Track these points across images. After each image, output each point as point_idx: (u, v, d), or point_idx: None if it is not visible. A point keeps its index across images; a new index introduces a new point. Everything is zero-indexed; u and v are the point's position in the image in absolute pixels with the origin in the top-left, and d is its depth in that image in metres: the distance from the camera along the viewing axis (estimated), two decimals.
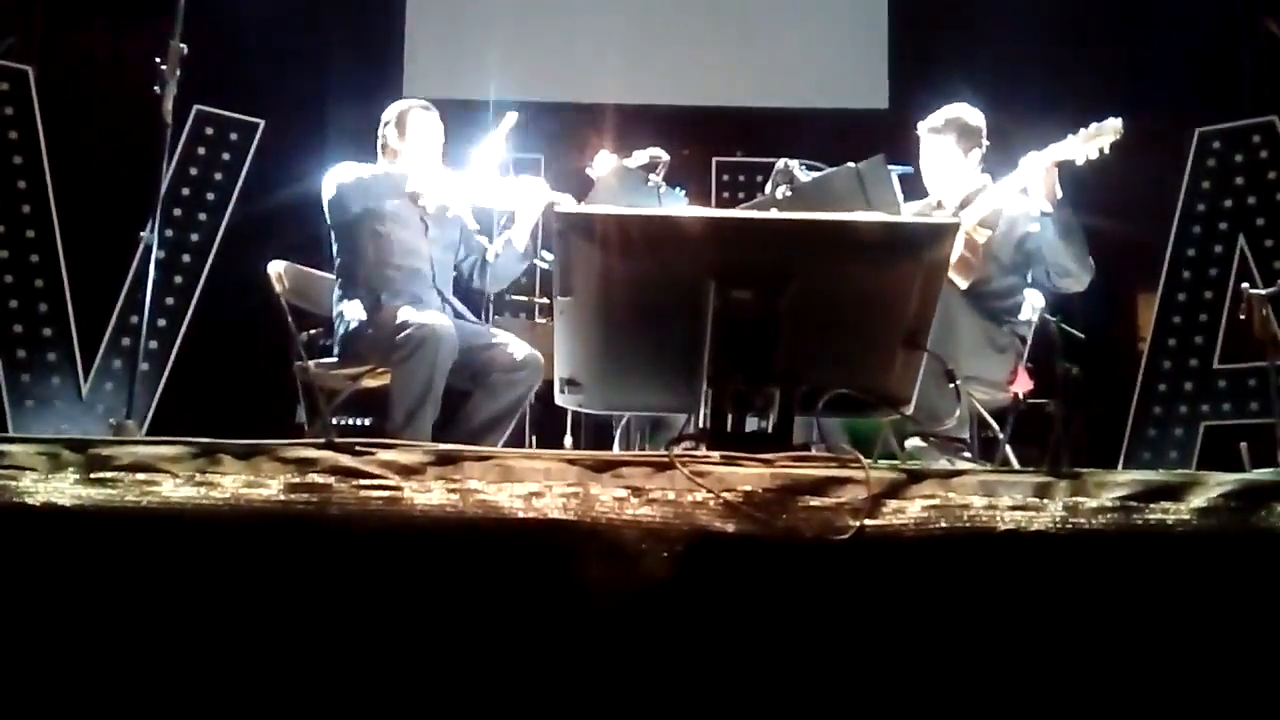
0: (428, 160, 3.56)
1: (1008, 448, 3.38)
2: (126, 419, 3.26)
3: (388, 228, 3.45)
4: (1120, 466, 5.10)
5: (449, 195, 3.48)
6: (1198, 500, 1.60)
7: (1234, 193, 5.66)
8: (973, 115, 3.51)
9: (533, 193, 3.53)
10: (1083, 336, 3.78)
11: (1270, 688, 1.51)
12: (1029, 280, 3.49)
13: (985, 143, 3.51)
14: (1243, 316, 4.52)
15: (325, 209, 3.52)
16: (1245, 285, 4.61)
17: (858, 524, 1.58)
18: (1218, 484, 1.63)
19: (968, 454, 3.19)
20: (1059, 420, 3.48)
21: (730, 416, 2.11)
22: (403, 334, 3.21)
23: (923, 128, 3.54)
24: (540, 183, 3.59)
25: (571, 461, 1.68)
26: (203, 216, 5.77)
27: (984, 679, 1.53)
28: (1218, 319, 5.55)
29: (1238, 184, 5.66)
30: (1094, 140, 3.14)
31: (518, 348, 3.42)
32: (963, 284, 3.24)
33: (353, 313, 3.40)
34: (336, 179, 3.48)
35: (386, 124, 3.62)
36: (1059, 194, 3.24)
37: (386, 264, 3.45)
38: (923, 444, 3.05)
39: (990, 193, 3.39)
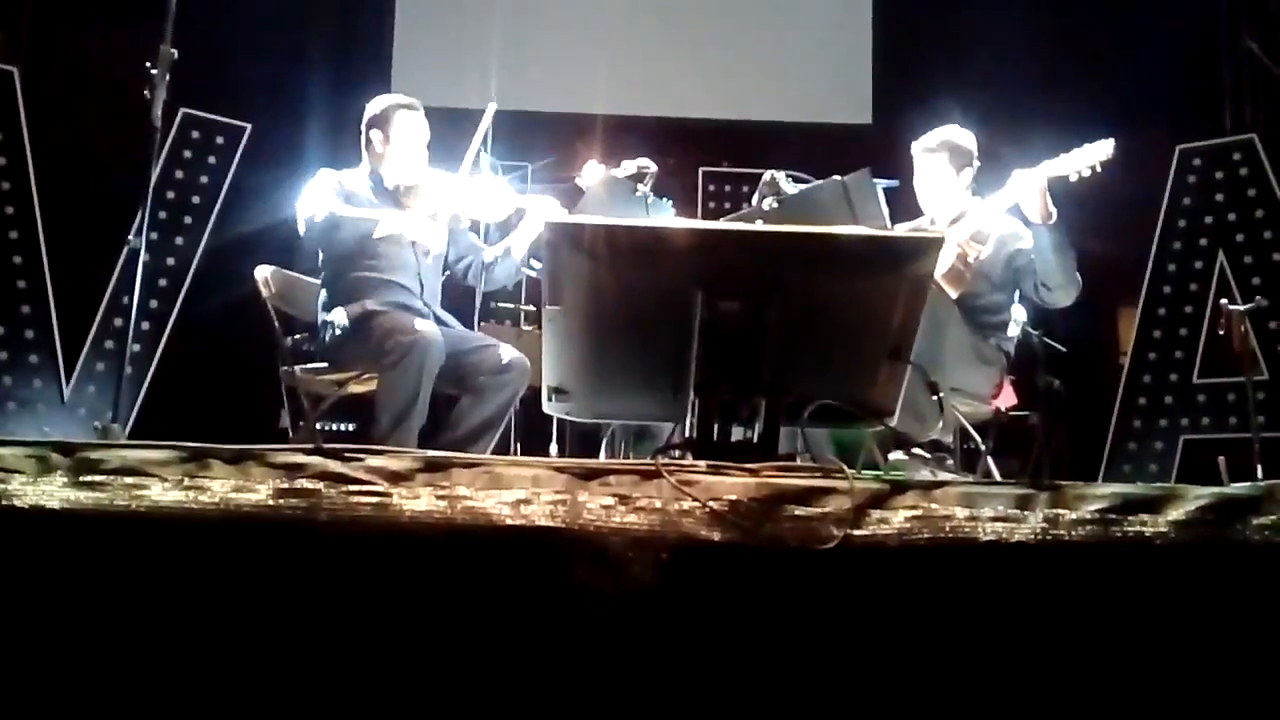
0: (412, 164, 3.52)
1: (989, 460, 3.41)
2: (112, 422, 3.25)
3: (375, 242, 3.43)
4: (1100, 479, 5.14)
5: (427, 234, 3.41)
6: (1175, 513, 1.62)
7: (1214, 209, 5.73)
8: (965, 137, 3.57)
9: (541, 208, 3.46)
10: (1064, 350, 3.82)
11: (1245, 696, 1.53)
12: (1017, 298, 3.53)
13: (976, 163, 3.56)
14: (1222, 332, 4.58)
15: (303, 235, 3.48)
16: (1224, 301, 4.68)
17: (842, 533, 1.60)
18: (1195, 497, 1.65)
19: (950, 462, 3.22)
20: (1040, 433, 3.51)
21: (716, 426, 2.13)
22: (390, 341, 3.21)
23: (917, 148, 3.59)
24: (551, 200, 3.54)
25: (559, 469, 1.70)
26: (188, 220, 5.76)
27: (965, 687, 1.55)
28: (1197, 334, 5.61)
29: (1218, 200, 5.72)
30: (1086, 159, 3.20)
31: (503, 351, 3.42)
32: (953, 294, 3.28)
33: (338, 319, 3.40)
34: (307, 210, 3.39)
35: (370, 125, 3.56)
36: (1053, 210, 3.27)
37: (372, 274, 3.43)
38: (905, 457, 3.07)
39: (981, 209, 3.43)
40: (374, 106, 3.58)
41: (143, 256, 3.46)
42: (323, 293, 3.50)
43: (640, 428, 3.34)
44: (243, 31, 5.60)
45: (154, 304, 5.57)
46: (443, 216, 3.48)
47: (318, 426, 3.65)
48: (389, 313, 3.33)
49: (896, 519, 1.63)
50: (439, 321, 3.47)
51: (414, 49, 6.32)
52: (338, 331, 3.38)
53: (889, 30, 6.36)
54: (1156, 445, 5.61)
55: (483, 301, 3.89)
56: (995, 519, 1.62)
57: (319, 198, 3.41)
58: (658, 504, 1.63)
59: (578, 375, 2.25)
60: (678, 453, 2.08)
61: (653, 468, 1.68)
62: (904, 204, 3.58)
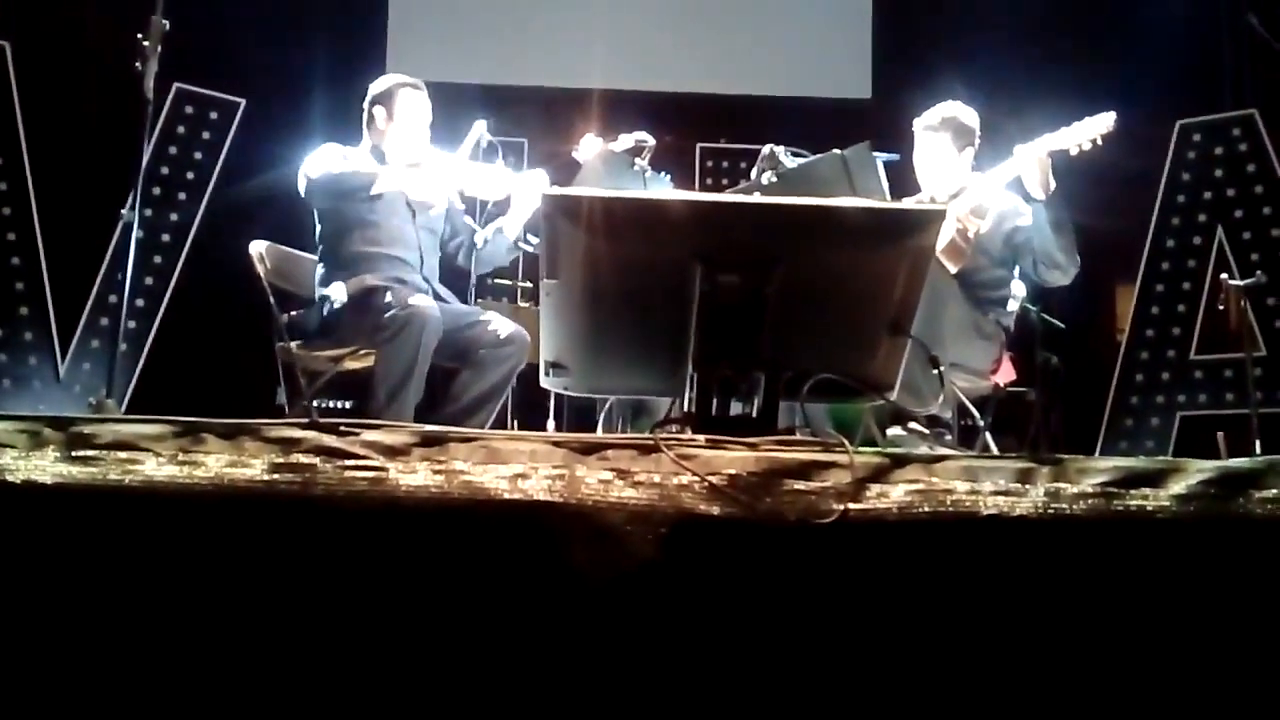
0: (415, 142, 3.52)
1: (988, 435, 3.41)
2: (106, 398, 3.23)
3: (375, 214, 3.42)
4: (1097, 456, 5.13)
5: (427, 190, 3.42)
6: (1177, 487, 1.61)
7: (1213, 185, 5.71)
8: (967, 115, 3.54)
9: (533, 185, 3.47)
10: (1062, 326, 3.81)
11: (1245, 670, 1.53)
12: (1016, 274, 3.51)
13: (978, 141, 3.54)
14: (1220, 307, 4.58)
15: (304, 194, 3.49)
16: (1224, 276, 4.67)
17: (841, 507, 1.59)
18: (1197, 471, 1.64)
19: (949, 438, 3.21)
20: (1038, 409, 3.51)
21: (715, 400, 2.12)
22: (387, 315, 3.20)
23: (918, 125, 3.56)
24: (541, 175, 3.54)
25: (557, 444, 1.68)
26: (182, 196, 5.73)
27: (966, 662, 1.55)
28: (1195, 310, 5.61)
29: (1217, 176, 5.71)
30: (1087, 132, 3.18)
31: (502, 325, 3.41)
32: (952, 269, 3.26)
33: (336, 294, 3.38)
34: (311, 170, 3.43)
35: (374, 102, 3.55)
36: (1053, 185, 3.25)
37: (372, 248, 3.42)
38: (903, 432, 3.07)
39: (981, 184, 3.41)
40: (378, 85, 3.59)
41: (135, 232, 3.44)
42: (320, 267, 3.49)
43: (638, 402, 3.34)
44: (238, 5, 5.55)
45: (149, 280, 5.55)
46: (445, 192, 3.50)
47: (314, 404, 3.64)
48: (386, 287, 3.32)
49: (896, 493, 1.62)
50: (437, 297, 3.46)
51: (410, 23, 6.27)
52: (335, 306, 3.37)
53: (889, 4, 6.32)
54: (1153, 422, 5.61)
55: (478, 279, 3.87)
56: (996, 493, 1.61)
57: (324, 159, 3.44)
58: (656, 479, 1.61)
59: (575, 349, 2.24)
60: (676, 427, 2.07)
61: (651, 442, 1.67)
62: (903, 179, 3.55)
